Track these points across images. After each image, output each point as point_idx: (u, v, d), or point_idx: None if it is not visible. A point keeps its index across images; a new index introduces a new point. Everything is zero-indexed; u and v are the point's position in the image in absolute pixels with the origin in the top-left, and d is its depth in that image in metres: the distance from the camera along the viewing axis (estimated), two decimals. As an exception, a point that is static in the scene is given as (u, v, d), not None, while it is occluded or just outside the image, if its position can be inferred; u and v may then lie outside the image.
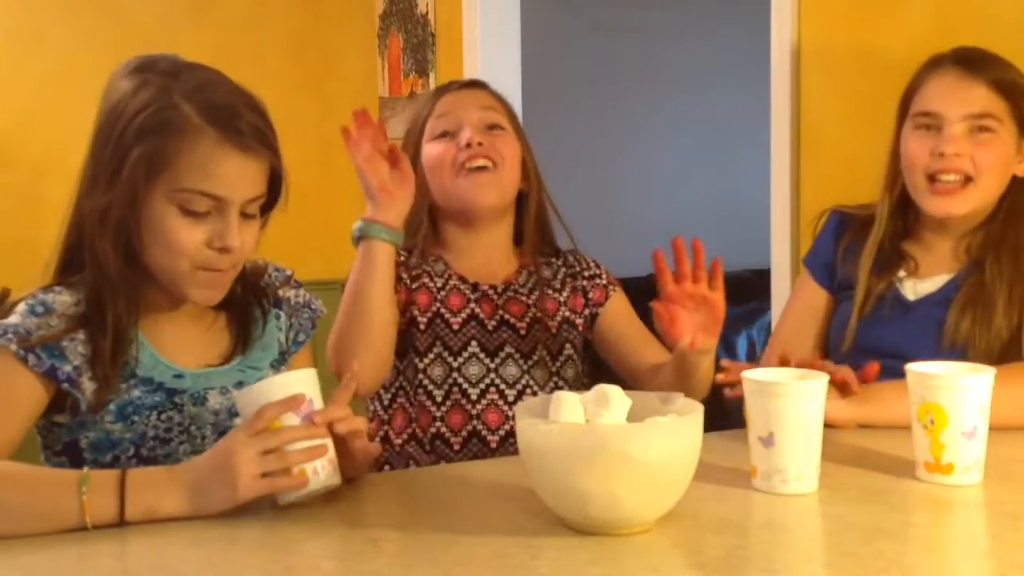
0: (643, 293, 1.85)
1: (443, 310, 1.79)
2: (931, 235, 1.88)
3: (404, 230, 1.67)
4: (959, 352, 1.74)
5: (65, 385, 1.36)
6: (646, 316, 1.77)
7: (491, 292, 1.83)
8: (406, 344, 1.78)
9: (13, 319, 1.36)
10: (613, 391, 1.26)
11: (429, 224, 1.84)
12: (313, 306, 1.59)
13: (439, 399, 1.77)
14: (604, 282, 1.90)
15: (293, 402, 1.27)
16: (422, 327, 1.78)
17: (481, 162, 1.77)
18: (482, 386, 1.77)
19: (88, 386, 1.37)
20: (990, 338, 1.76)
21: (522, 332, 1.82)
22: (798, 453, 1.35)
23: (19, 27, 3.88)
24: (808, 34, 2.56)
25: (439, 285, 1.81)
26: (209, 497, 1.24)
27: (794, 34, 2.57)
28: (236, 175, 1.36)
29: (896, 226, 1.89)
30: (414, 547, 1.18)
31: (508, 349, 1.80)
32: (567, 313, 1.86)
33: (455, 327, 1.79)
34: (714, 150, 5.20)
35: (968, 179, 1.78)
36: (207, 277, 1.39)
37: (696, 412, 1.22)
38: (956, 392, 1.38)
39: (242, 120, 1.36)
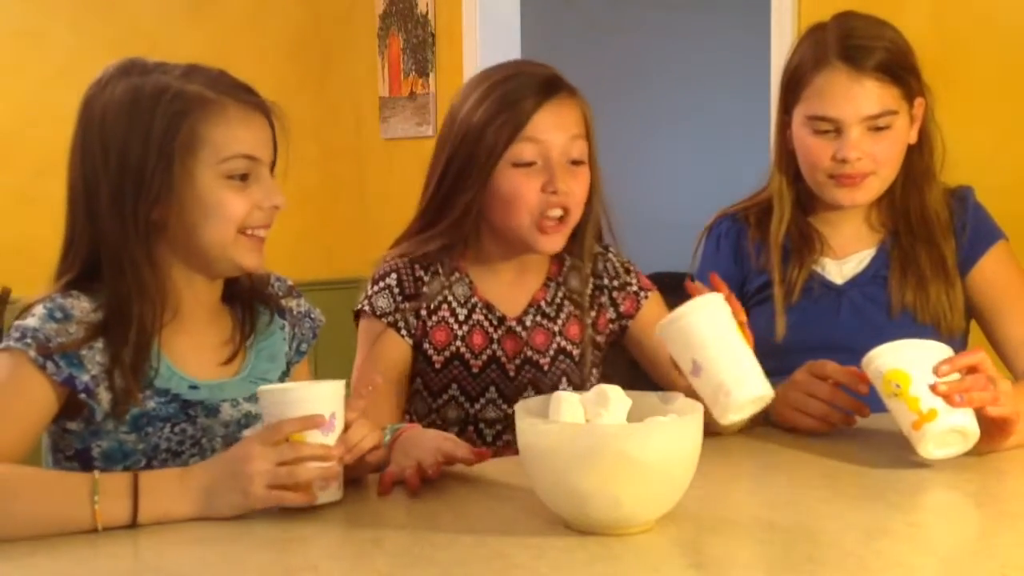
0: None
1: (463, 350, 1.68)
2: (833, 214, 1.84)
3: (437, 235, 1.65)
4: (907, 325, 1.75)
5: (83, 395, 1.35)
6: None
7: (517, 327, 1.71)
8: (416, 377, 1.70)
9: (31, 322, 1.35)
10: (613, 391, 1.26)
11: (470, 235, 1.69)
12: (313, 315, 1.60)
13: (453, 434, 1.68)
14: (635, 288, 1.77)
15: (313, 422, 1.27)
16: (437, 366, 1.68)
17: (559, 212, 1.62)
18: (499, 427, 1.69)
19: (104, 396, 1.36)
20: (930, 307, 1.77)
21: (545, 368, 1.71)
22: (726, 363, 1.36)
23: (19, 27, 3.89)
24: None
25: (461, 318, 1.69)
26: (220, 501, 1.24)
27: (794, 34, 2.57)
28: (260, 135, 1.42)
29: (794, 211, 1.85)
30: (414, 547, 1.18)
31: (530, 392, 1.69)
32: (591, 334, 1.75)
33: (475, 370, 1.68)
34: (713, 149, 5.20)
35: (868, 173, 1.76)
36: (252, 242, 1.43)
37: (696, 412, 1.22)
38: (900, 351, 1.43)
39: (240, 87, 1.43)
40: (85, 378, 1.35)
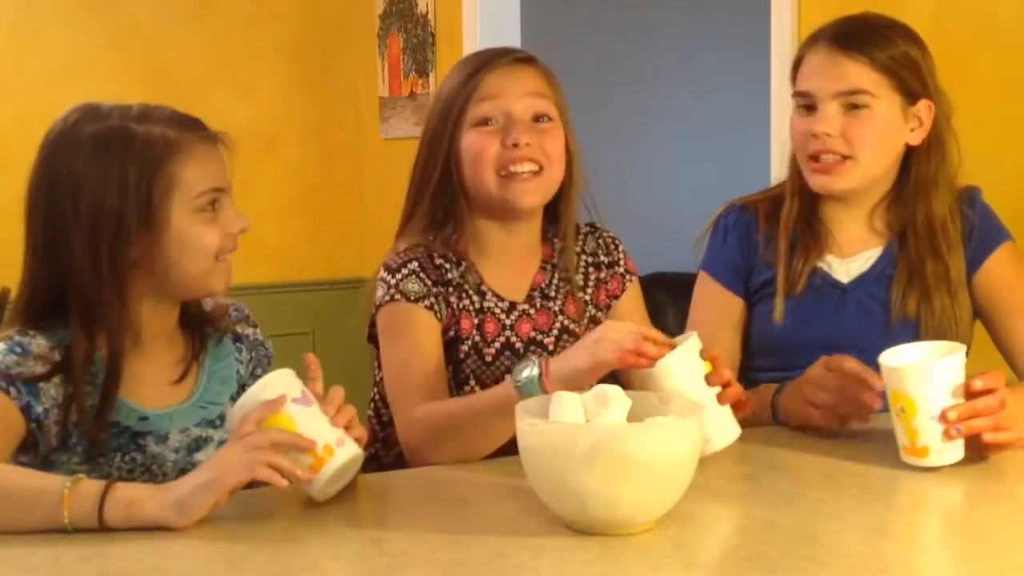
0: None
1: (478, 340, 1.68)
2: (837, 210, 1.84)
3: (432, 223, 1.67)
4: (911, 330, 1.74)
5: (32, 425, 1.38)
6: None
7: (528, 309, 1.71)
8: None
9: None
10: (613, 391, 1.26)
11: (461, 215, 1.70)
12: (266, 346, 1.63)
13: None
14: (622, 269, 1.79)
15: (272, 405, 1.29)
16: (461, 355, 1.67)
17: (528, 167, 1.65)
18: None
19: (52, 429, 1.39)
20: (935, 320, 1.76)
21: (550, 347, 1.71)
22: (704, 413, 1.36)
23: (19, 27, 3.88)
24: (808, 34, 2.56)
25: (477, 307, 1.68)
26: (185, 488, 1.23)
27: (794, 34, 2.57)
28: (220, 166, 1.46)
29: (803, 202, 1.85)
30: (414, 547, 1.19)
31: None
32: (592, 311, 1.76)
33: (488, 359, 1.68)
34: (714, 149, 5.20)
35: (846, 157, 1.76)
36: (225, 267, 1.47)
37: (696, 413, 1.23)
38: (920, 382, 1.39)
39: (194, 121, 1.47)
40: (39, 409, 1.38)
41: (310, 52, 4.32)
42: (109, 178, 1.39)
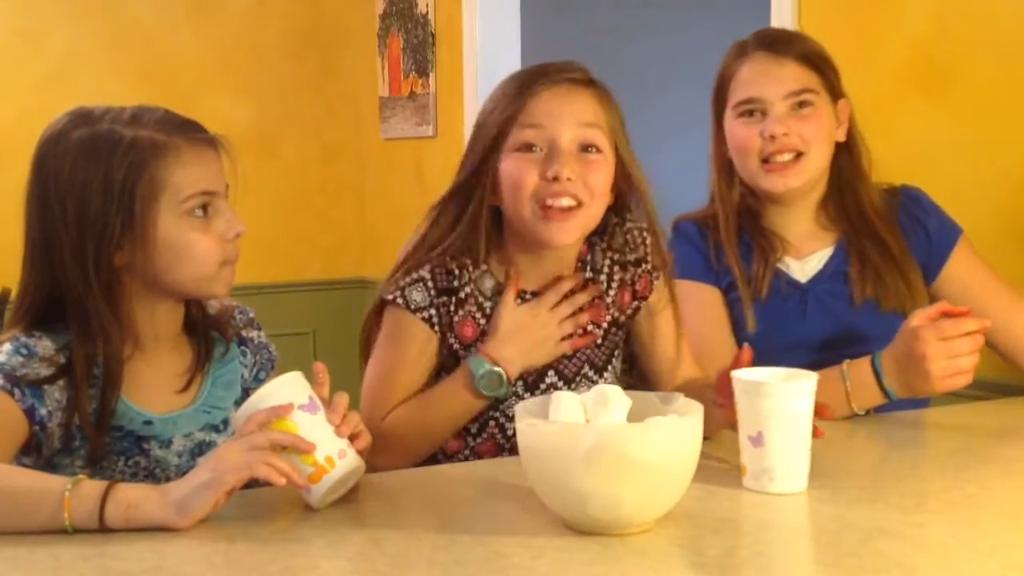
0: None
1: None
2: (782, 215, 1.91)
3: (461, 241, 1.62)
4: (872, 311, 1.82)
5: (36, 427, 1.37)
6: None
7: None
8: (440, 372, 1.66)
9: None
10: (613, 391, 1.26)
11: (490, 230, 1.64)
12: (271, 349, 1.62)
13: (474, 430, 1.65)
14: (650, 266, 1.70)
15: (278, 411, 1.28)
16: (463, 359, 1.63)
17: (568, 202, 1.56)
18: None
19: (56, 432, 1.38)
20: (891, 296, 1.83)
21: (568, 353, 1.67)
22: (787, 452, 1.35)
23: (19, 27, 3.89)
24: (808, 34, 2.56)
25: (487, 311, 1.63)
26: (186, 487, 1.22)
27: (794, 34, 2.57)
28: (213, 169, 1.44)
29: (744, 214, 1.91)
30: (414, 547, 1.19)
31: (550, 378, 1.66)
32: (615, 313, 1.70)
33: None
34: (714, 150, 5.20)
35: (799, 154, 1.83)
36: (228, 272, 1.45)
37: (696, 412, 1.23)
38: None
39: (188, 123, 1.45)
40: (43, 412, 1.37)
41: (310, 52, 4.32)
42: (94, 182, 1.38)
